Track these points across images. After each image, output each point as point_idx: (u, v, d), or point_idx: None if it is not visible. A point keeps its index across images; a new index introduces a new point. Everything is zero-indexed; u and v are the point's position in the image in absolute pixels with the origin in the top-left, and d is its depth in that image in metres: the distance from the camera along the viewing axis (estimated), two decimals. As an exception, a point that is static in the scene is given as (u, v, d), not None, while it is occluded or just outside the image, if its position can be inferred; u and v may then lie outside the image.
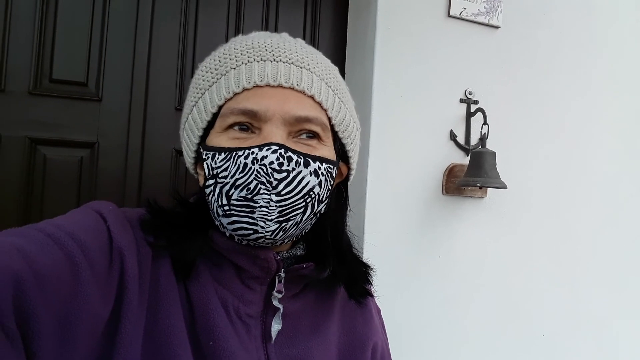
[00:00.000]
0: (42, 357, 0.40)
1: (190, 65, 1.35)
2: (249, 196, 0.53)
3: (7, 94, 1.18)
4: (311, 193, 0.56)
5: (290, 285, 0.62)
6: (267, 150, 0.53)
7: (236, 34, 1.39)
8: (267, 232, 0.54)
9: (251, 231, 0.54)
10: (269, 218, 0.54)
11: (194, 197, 0.65)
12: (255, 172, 0.53)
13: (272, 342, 0.60)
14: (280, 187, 0.53)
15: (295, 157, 0.54)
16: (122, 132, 1.28)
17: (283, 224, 0.55)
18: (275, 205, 0.54)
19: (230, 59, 0.57)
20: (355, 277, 0.68)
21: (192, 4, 1.35)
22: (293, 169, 0.54)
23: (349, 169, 0.67)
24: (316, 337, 0.64)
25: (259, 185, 0.53)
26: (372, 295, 0.71)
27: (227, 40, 1.47)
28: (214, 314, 0.55)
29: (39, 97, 1.21)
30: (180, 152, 1.33)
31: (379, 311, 0.77)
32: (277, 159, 0.53)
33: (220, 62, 0.58)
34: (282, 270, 0.60)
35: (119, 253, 0.50)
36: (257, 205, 0.53)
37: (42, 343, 0.39)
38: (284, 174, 0.53)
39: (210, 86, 0.58)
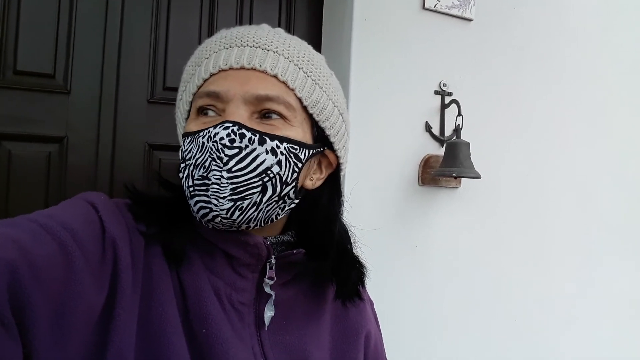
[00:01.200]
0: (37, 345, 0.40)
1: (163, 56, 1.31)
2: (205, 174, 0.54)
3: (-32, 87, 1.12)
4: (269, 172, 0.55)
5: (282, 273, 0.62)
6: (219, 127, 0.54)
7: (210, 24, 1.37)
8: (221, 210, 0.53)
9: (207, 210, 0.54)
10: (221, 195, 0.53)
11: None
12: (209, 150, 0.54)
13: (266, 329, 0.60)
14: (231, 163, 0.53)
15: (248, 135, 0.54)
16: (92, 126, 1.24)
17: (238, 203, 0.54)
18: (227, 183, 0.53)
19: (206, 50, 0.60)
20: (346, 274, 0.67)
21: (165, -8, 1.32)
22: (246, 146, 0.54)
23: (337, 158, 0.65)
24: (309, 325, 0.64)
25: (212, 163, 0.53)
26: (361, 298, 0.70)
27: (200, 33, 1.43)
28: (206, 301, 0.56)
29: (3, 89, 1.15)
30: (152, 147, 1.31)
31: (371, 303, 0.78)
32: (228, 135, 0.53)
33: (198, 55, 0.61)
34: (273, 256, 0.60)
35: (111, 242, 0.50)
36: (210, 182, 0.53)
37: (37, 331, 0.40)
38: (235, 150, 0.53)
39: (189, 79, 0.60)
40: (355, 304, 0.70)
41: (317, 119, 0.61)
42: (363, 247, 1.28)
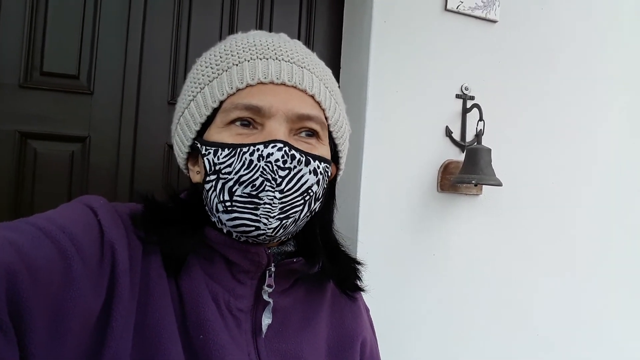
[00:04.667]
0: (34, 349, 0.40)
1: (184, 59, 1.33)
2: (254, 193, 0.54)
3: (-3, 87, 1.16)
4: (309, 191, 0.57)
5: (281, 280, 0.63)
6: (272, 147, 0.54)
7: (230, 27, 1.38)
8: (269, 229, 0.55)
9: (253, 228, 0.55)
10: (272, 215, 0.55)
11: (184, 193, 0.65)
12: (261, 169, 0.54)
13: (263, 337, 0.60)
14: (284, 184, 0.55)
15: (298, 156, 0.55)
16: (114, 126, 1.26)
17: (284, 221, 0.56)
18: (278, 203, 0.55)
19: (232, 55, 0.59)
20: (345, 273, 0.69)
21: (186, -4, 1.33)
22: (295, 167, 0.55)
23: (337, 169, 0.68)
24: (306, 332, 0.65)
25: (265, 183, 0.54)
26: (362, 290, 0.72)
27: (221, 34, 1.45)
28: (204, 307, 0.56)
29: (30, 90, 1.19)
30: (172, 147, 1.32)
31: (367, 310, 0.78)
32: (282, 156, 0.54)
33: (221, 57, 0.59)
34: (273, 264, 0.61)
35: (110, 247, 0.51)
36: (261, 202, 0.54)
37: (34, 335, 0.40)
38: (287, 172, 0.55)
39: (210, 81, 0.59)
40: (352, 310, 0.71)
41: (334, 136, 0.64)
42: (378, 254, 1.28)
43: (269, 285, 0.60)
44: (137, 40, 1.28)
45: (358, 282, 0.70)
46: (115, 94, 1.26)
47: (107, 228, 0.51)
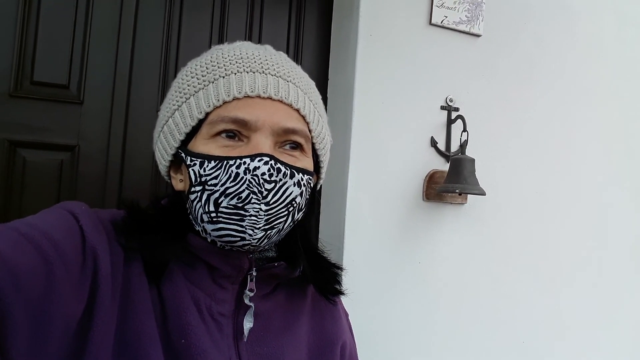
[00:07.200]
0: (15, 354, 0.40)
1: (173, 69, 1.35)
2: (240, 205, 0.55)
3: (-13, 96, 1.17)
4: (293, 202, 0.58)
5: (262, 285, 0.63)
6: (259, 161, 0.55)
7: (220, 38, 1.40)
8: (254, 239, 0.56)
9: (238, 238, 0.56)
10: (257, 226, 0.56)
11: (165, 200, 0.66)
12: (247, 182, 0.55)
13: (244, 340, 0.61)
14: (269, 197, 0.56)
15: (283, 169, 0.56)
16: (103, 135, 1.27)
17: (268, 232, 0.57)
18: (264, 214, 0.56)
19: (219, 67, 0.59)
20: (326, 277, 0.70)
21: (176, 6, 1.35)
22: (280, 180, 0.56)
23: (318, 177, 0.70)
24: (287, 336, 0.65)
25: (251, 195, 0.55)
26: (342, 293, 0.73)
27: (210, 45, 1.46)
28: (186, 312, 0.56)
29: (20, 99, 1.20)
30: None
31: (347, 314, 0.79)
32: (269, 170, 0.55)
33: (207, 69, 0.60)
34: (254, 269, 0.61)
35: (92, 252, 0.51)
36: (247, 214, 0.55)
37: (15, 341, 0.40)
38: (273, 185, 0.56)
39: (196, 92, 0.59)
40: (331, 314, 0.72)
41: (317, 147, 0.65)
42: (365, 262, 1.29)
43: (251, 290, 0.61)
44: (127, 50, 1.30)
45: (338, 287, 0.71)
46: (105, 103, 1.28)
47: (89, 234, 0.51)
